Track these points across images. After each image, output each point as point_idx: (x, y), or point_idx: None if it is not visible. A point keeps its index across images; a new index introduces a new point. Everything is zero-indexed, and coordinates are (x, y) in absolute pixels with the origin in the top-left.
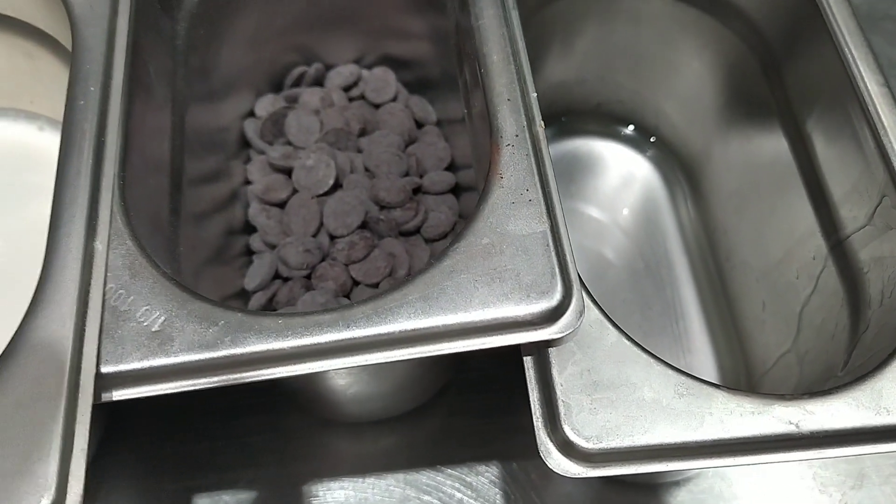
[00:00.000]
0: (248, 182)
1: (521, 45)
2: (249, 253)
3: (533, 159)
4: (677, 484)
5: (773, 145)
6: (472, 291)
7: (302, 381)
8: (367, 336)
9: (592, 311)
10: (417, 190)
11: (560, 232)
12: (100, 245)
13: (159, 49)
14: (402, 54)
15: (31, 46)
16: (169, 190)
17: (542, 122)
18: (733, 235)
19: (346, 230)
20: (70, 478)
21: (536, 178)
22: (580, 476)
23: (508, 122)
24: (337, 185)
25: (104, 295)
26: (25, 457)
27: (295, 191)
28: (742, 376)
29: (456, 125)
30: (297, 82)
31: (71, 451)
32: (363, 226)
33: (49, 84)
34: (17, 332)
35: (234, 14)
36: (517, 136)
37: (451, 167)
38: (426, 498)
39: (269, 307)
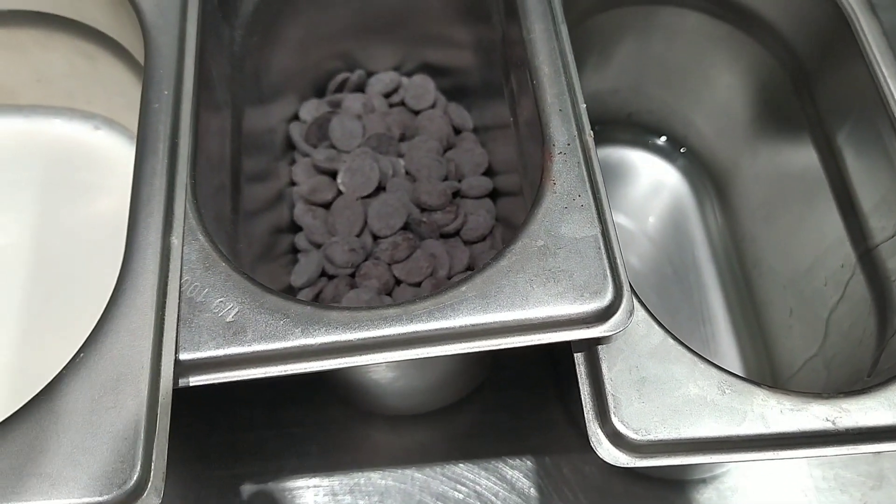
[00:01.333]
0: (293, 183)
1: (571, 58)
2: (294, 251)
3: (584, 167)
4: (704, 482)
5: (803, 157)
6: (529, 290)
7: (348, 373)
8: (429, 330)
9: (639, 312)
10: (456, 194)
11: (610, 236)
12: (175, 240)
13: (220, 55)
14: (441, 62)
15: (92, 48)
16: (230, 189)
17: (592, 132)
18: (761, 243)
19: (390, 231)
20: (154, 457)
21: (587, 184)
22: (628, 465)
23: (560, 131)
24: (379, 188)
25: (180, 287)
26: (113, 436)
27: (339, 192)
28: (768, 379)
29: (492, 131)
30: (340, 88)
31: (154, 431)
32: (405, 227)
33: (107, 85)
34: (100, 319)
35: (285, 22)
36: (569, 144)
37: (487, 172)
38: (464, 490)
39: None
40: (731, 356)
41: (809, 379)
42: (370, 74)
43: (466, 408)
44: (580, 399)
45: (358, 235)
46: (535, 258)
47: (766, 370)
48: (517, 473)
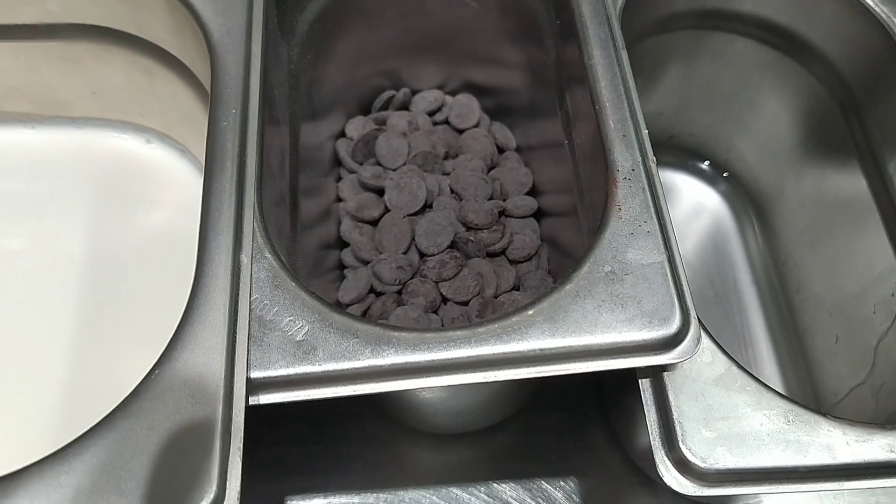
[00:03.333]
0: (339, 199)
1: (632, 84)
2: (341, 267)
3: (648, 193)
4: None
5: (852, 184)
6: (597, 316)
7: (400, 392)
8: (496, 354)
9: (704, 339)
10: (501, 213)
11: (676, 263)
12: (245, 258)
13: (280, 73)
14: (485, 81)
15: (150, 63)
16: (289, 206)
17: (654, 158)
18: (804, 269)
19: (437, 249)
20: (229, 476)
21: (652, 210)
22: (696, 494)
23: (624, 156)
24: (426, 206)
25: (250, 305)
26: (189, 455)
27: (387, 209)
28: (811, 405)
29: (536, 151)
30: (385, 105)
31: (228, 449)
32: (452, 245)
33: (163, 100)
34: (174, 336)
35: (336, 40)
36: (633, 170)
37: (531, 191)
38: None
39: None
40: (773, 381)
41: (855, 407)
42: (414, 92)
43: (509, 426)
44: (640, 424)
45: (405, 253)
46: (603, 283)
47: (809, 396)
48: (560, 495)
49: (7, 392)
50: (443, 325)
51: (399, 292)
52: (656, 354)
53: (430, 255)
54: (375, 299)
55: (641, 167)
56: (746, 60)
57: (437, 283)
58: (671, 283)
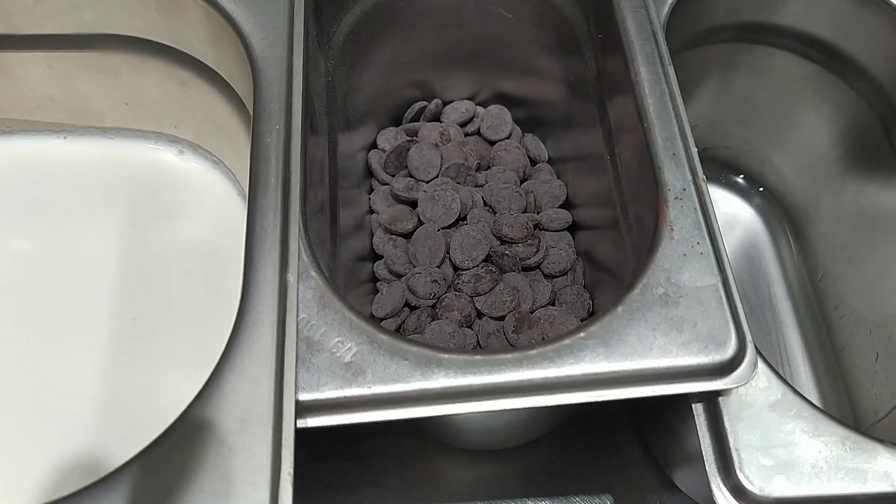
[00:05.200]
0: (371, 211)
1: (680, 101)
2: (373, 279)
3: (700, 213)
4: None
5: (894, 200)
6: (652, 340)
7: None
8: (549, 378)
9: (759, 364)
10: (535, 226)
11: (731, 285)
12: (291, 277)
13: (318, 85)
14: (517, 92)
15: (186, 75)
16: (329, 221)
17: (705, 176)
18: (843, 285)
19: (472, 263)
20: (279, 502)
21: (705, 231)
22: None
23: (674, 175)
24: (459, 219)
25: (297, 325)
26: (241, 480)
27: (420, 222)
28: (850, 423)
29: (569, 163)
30: (416, 116)
31: (279, 474)
32: (487, 259)
33: (197, 111)
34: (222, 357)
35: (371, 51)
36: (684, 189)
37: (564, 204)
38: None
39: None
40: (810, 398)
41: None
42: (445, 103)
43: (542, 442)
44: (683, 445)
45: (438, 266)
46: (657, 306)
47: (848, 413)
48: None
49: (41, 406)
50: (478, 341)
51: (433, 306)
52: (712, 380)
53: (465, 269)
54: (410, 313)
55: (692, 186)
56: (786, 74)
57: (472, 297)
58: (726, 307)
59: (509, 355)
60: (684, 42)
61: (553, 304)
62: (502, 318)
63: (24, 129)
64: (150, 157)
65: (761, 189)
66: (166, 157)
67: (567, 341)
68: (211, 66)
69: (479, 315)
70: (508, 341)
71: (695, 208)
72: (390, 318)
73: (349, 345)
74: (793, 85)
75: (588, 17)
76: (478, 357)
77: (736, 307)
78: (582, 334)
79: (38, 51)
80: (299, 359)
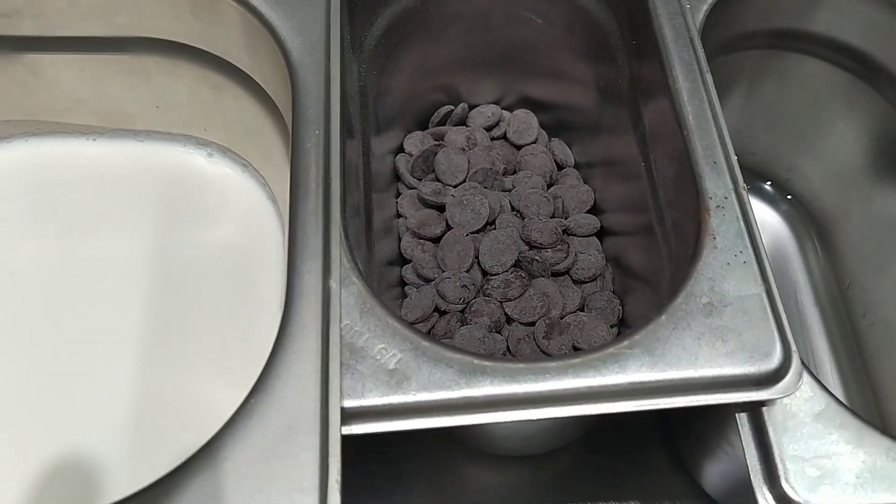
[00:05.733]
0: (398, 215)
1: (719, 108)
2: (401, 283)
3: (742, 222)
4: None
5: None
6: (697, 349)
7: None
8: (593, 387)
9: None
10: (564, 232)
11: (774, 294)
12: (334, 283)
13: (353, 90)
14: (544, 97)
15: (218, 79)
16: (364, 226)
17: (745, 185)
18: (872, 293)
19: (501, 268)
20: None
21: (747, 240)
22: None
23: (716, 184)
24: (487, 223)
25: (340, 331)
26: (289, 488)
27: (448, 227)
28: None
29: (596, 168)
30: (442, 120)
31: (327, 482)
32: (516, 264)
33: (228, 114)
34: (267, 364)
35: (400, 55)
36: (726, 198)
37: (591, 209)
38: None
39: None
40: None
41: None
42: (470, 107)
43: (571, 448)
44: (717, 453)
45: (467, 271)
46: (701, 316)
47: (877, 421)
48: None
49: (73, 410)
50: (508, 346)
51: (462, 311)
52: (758, 390)
53: (494, 275)
54: (439, 318)
55: (734, 195)
56: (815, 81)
57: (501, 302)
58: (771, 316)
59: (553, 363)
60: (715, 48)
61: (582, 310)
62: (532, 324)
63: (53, 130)
64: (179, 159)
65: (789, 196)
66: (196, 160)
67: (611, 350)
68: (244, 70)
69: (509, 320)
70: (539, 347)
71: (737, 217)
72: (420, 322)
73: (393, 351)
74: (822, 92)
75: (621, 23)
76: (522, 365)
77: (780, 317)
78: (626, 343)
79: (71, 53)
80: (343, 365)
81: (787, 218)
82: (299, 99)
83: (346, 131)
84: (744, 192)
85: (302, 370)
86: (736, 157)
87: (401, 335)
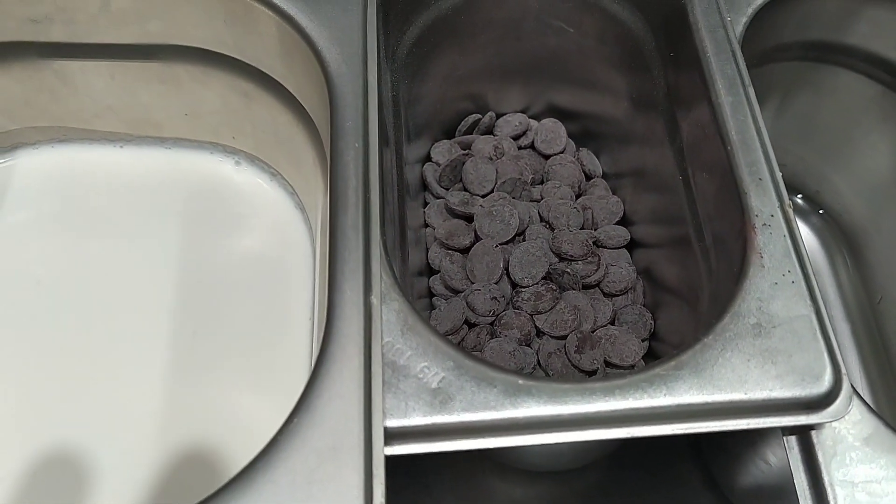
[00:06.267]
0: (425, 225)
1: (762, 123)
2: (429, 294)
3: (789, 240)
4: None
5: None
6: (746, 371)
7: None
8: (640, 408)
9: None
10: (594, 243)
11: (823, 315)
12: (375, 300)
13: (387, 100)
14: (572, 106)
15: (249, 87)
16: (400, 240)
17: (791, 202)
18: None
19: (532, 280)
20: None
21: (794, 259)
22: None
23: (762, 201)
24: (516, 234)
25: (382, 350)
26: None
27: (477, 237)
28: None
29: (625, 178)
30: (470, 129)
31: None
32: (546, 276)
33: (258, 123)
34: (310, 382)
35: (430, 63)
36: (772, 216)
37: (620, 221)
38: None
39: None
40: None
41: None
42: (497, 115)
43: (601, 464)
44: (752, 471)
45: (496, 283)
46: (749, 337)
47: None
48: None
49: (101, 424)
50: (538, 360)
51: (492, 323)
52: (808, 413)
53: (524, 287)
54: (469, 331)
55: (780, 212)
56: (849, 94)
57: (532, 315)
58: (820, 338)
59: (598, 384)
60: (750, 60)
61: (613, 324)
62: (563, 338)
63: (80, 137)
64: (206, 167)
65: (821, 211)
66: (223, 168)
67: (658, 370)
68: (277, 78)
69: (539, 333)
70: (571, 361)
71: (784, 235)
72: (450, 335)
73: (435, 370)
74: (856, 104)
75: (656, 34)
76: (567, 385)
77: (830, 339)
78: (673, 363)
79: (101, 60)
80: (386, 384)
81: (818, 231)
82: (337, 111)
83: (385, 145)
84: (789, 210)
85: (344, 389)
86: (781, 174)
87: (443, 353)
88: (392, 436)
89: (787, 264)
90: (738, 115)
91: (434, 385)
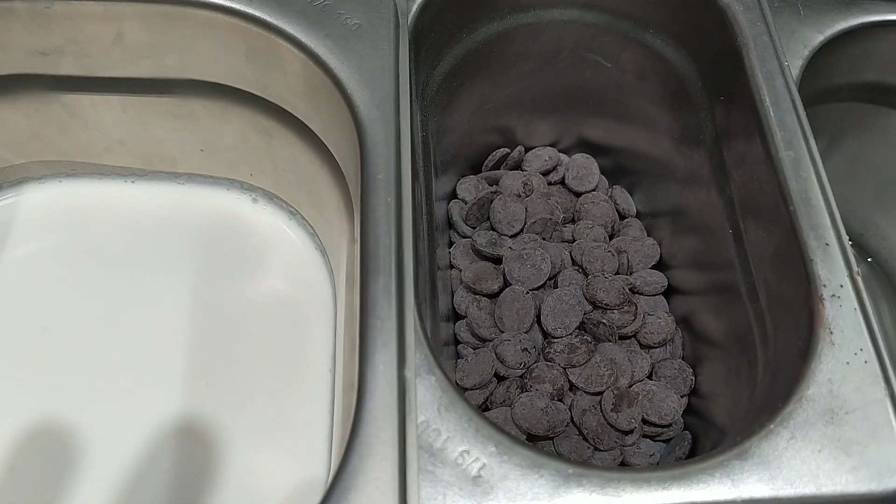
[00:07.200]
0: (451, 266)
1: (826, 181)
2: (454, 342)
3: (860, 314)
4: None
5: None
6: (817, 464)
7: None
8: (703, 503)
9: None
10: (630, 290)
11: None
12: (409, 374)
13: (417, 144)
14: (604, 141)
15: (270, 124)
16: (430, 295)
17: (859, 270)
18: None
19: (565, 331)
20: None
21: (866, 335)
22: None
23: (830, 270)
24: (548, 279)
25: (416, 430)
26: None
27: (506, 282)
28: None
29: (662, 218)
30: (497, 164)
31: None
32: (580, 326)
33: (277, 161)
34: (341, 466)
35: (459, 98)
36: (841, 286)
37: (656, 265)
38: None
39: (486, 407)
40: None
41: None
42: (526, 149)
43: None
44: None
45: (527, 332)
46: (820, 424)
47: None
48: None
49: (109, 479)
50: (572, 417)
51: (521, 376)
52: None
53: (557, 338)
54: (498, 385)
55: (850, 282)
56: None
57: (565, 368)
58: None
59: (656, 474)
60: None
61: (651, 378)
62: (599, 394)
63: (89, 171)
64: (222, 204)
65: (869, 259)
66: (240, 205)
67: (720, 459)
68: (300, 118)
69: (572, 388)
70: (607, 420)
71: (854, 308)
72: (477, 389)
73: (476, 455)
74: None
75: (703, 74)
76: (619, 474)
77: None
78: (736, 451)
79: (113, 94)
80: (421, 471)
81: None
82: (368, 159)
83: (419, 194)
84: (859, 279)
85: (378, 475)
86: (849, 240)
87: (484, 435)
88: None
89: (859, 342)
90: (801, 171)
91: (474, 472)
